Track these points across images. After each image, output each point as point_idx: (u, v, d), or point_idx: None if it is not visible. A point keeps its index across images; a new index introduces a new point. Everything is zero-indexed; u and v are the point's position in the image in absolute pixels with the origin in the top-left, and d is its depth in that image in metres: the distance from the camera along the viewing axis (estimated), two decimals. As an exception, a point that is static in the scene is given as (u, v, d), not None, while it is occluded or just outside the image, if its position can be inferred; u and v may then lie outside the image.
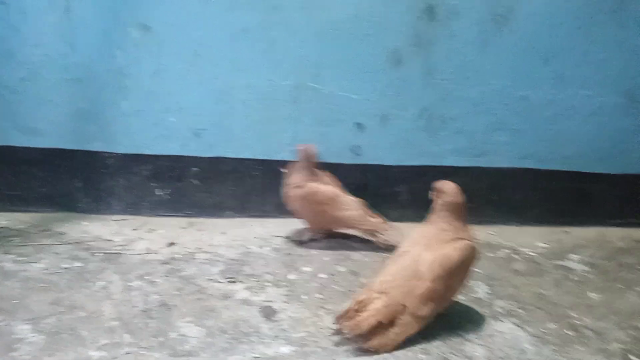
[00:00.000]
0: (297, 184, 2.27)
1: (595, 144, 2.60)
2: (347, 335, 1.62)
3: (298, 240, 2.38)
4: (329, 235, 2.41)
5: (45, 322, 1.66)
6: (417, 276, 1.65)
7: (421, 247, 1.72)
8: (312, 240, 2.38)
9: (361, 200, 2.34)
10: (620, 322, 1.85)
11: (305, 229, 2.41)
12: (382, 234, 2.34)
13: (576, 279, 2.17)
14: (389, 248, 2.21)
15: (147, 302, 1.81)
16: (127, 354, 1.53)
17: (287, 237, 2.41)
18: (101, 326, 1.66)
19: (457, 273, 1.70)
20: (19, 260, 2.05)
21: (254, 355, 1.56)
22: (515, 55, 2.46)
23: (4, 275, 1.93)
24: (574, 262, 2.33)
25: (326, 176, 2.35)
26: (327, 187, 2.31)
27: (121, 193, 2.57)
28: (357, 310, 1.64)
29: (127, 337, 1.61)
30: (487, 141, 2.57)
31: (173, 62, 2.41)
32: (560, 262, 2.31)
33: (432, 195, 1.80)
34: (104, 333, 1.63)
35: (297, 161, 2.30)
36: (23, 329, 1.62)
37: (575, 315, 1.88)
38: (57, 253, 2.13)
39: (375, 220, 2.34)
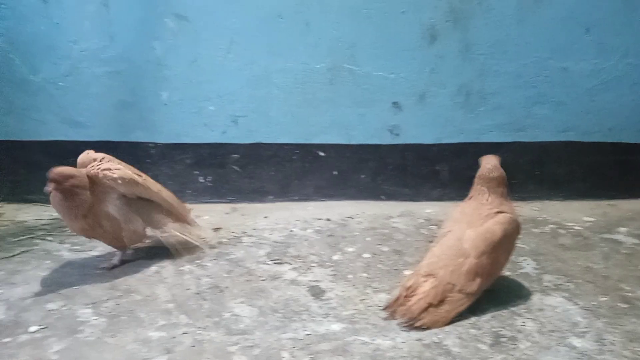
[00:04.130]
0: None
1: (640, 114, 2.54)
2: (400, 321, 1.63)
3: (107, 267, 1.98)
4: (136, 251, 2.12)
5: (104, 305, 1.73)
6: (462, 254, 1.66)
7: (463, 225, 1.72)
8: (123, 262, 2.01)
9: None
10: (674, 293, 1.82)
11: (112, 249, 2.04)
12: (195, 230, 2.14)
13: (625, 251, 2.13)
14: (204, 242, 2.13)
15: (199, 284, 1.87)
16: (184, 333, 1.59)
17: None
18: (157, 308, 1.72)
19: (501, 247, 1.70)
20: (74, 249, 2.13)
21: (306, 332, 1.60)
22: (555, 25, 2.40)
23: (62, 264, 2.01)
24: (622, 234, 2.28)
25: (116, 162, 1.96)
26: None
27: (165, 181, 2.61)
28: (406, 297, 1.66)
29: (183, 318, 1.67)
30: (527, 115, 2.53)
31: (210, 51, 2.44)
32: (608, 236, 2.27)
33: None
34: (160, 315, 1.68)
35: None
36: (85, 313, 1.69)
37: (626, 288, 1.85)
38: (108, 241, 2.20)
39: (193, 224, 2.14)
